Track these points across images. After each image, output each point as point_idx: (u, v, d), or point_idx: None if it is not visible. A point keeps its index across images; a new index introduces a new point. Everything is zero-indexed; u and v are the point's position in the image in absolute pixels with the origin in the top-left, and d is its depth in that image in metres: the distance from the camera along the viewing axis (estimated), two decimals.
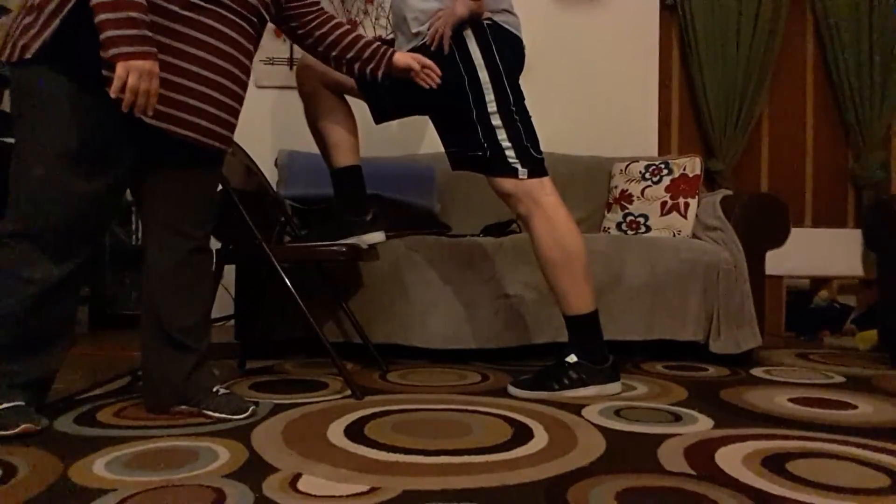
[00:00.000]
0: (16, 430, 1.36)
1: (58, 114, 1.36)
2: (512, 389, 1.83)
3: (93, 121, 1.38)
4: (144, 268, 1.56)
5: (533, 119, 1.86)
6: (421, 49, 1.82)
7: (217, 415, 1.53)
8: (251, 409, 1.56)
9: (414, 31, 1.82)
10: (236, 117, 1.55)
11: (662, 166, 2.76)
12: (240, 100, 1.54)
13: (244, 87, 1.55)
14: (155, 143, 1.47)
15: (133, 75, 1.26)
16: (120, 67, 1.26)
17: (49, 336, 1.45)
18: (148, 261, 1.55)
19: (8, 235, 1.39)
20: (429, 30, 1.79)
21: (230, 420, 1.52)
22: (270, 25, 3.18)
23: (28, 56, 1.34)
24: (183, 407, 1.56)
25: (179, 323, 1.54)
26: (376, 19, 3.23)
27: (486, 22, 1.78)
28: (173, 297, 1.54)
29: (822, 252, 3.56)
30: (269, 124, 3.25)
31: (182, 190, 1.54)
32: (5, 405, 1.39)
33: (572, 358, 1.81)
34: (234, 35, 1.48)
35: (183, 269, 1.55)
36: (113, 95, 1.26)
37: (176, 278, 1.54)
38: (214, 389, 1.58)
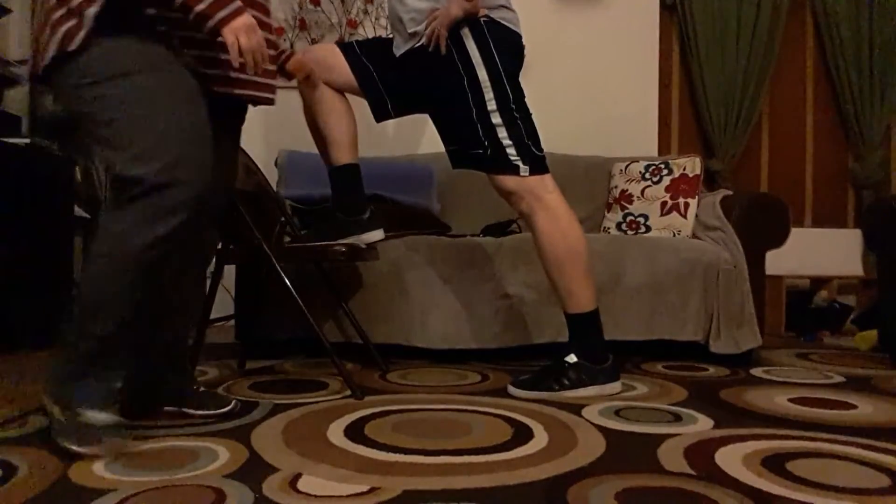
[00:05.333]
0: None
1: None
2: (512, 389, 1.83)
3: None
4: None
5: (533, 118, 1.86)
6: (418, 49, 1.82)
7: (201, 412, 1.54)
8: (233, 402, 1.58)
9: (410, 31, 1.82)
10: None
11: (662, 166, 2.76)
12: (274, 46, 1.52)
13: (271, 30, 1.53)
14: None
15: (242, 36, 1.23)
16: (227, 34, 1.22)
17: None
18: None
19: None
20: (425, 30, 1.79)
21: (216, 416, 1.53)
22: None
23: (73, 47, 1.25)
24: (168, 407, 1.57)
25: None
26: (376, 19, 3.23)
27: (483, 19, 1.78)
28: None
29: (822, 252, 3.56)
30: (269, 124, 3.25)
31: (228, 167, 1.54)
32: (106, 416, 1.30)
33: (572, 358, 1.81)
34: None
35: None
36: (236, 64, 1.25)
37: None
38: (195, 386, 1.60)
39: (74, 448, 1.23)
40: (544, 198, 1.80)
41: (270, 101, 1.49)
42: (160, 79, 1.25)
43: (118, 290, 1.26)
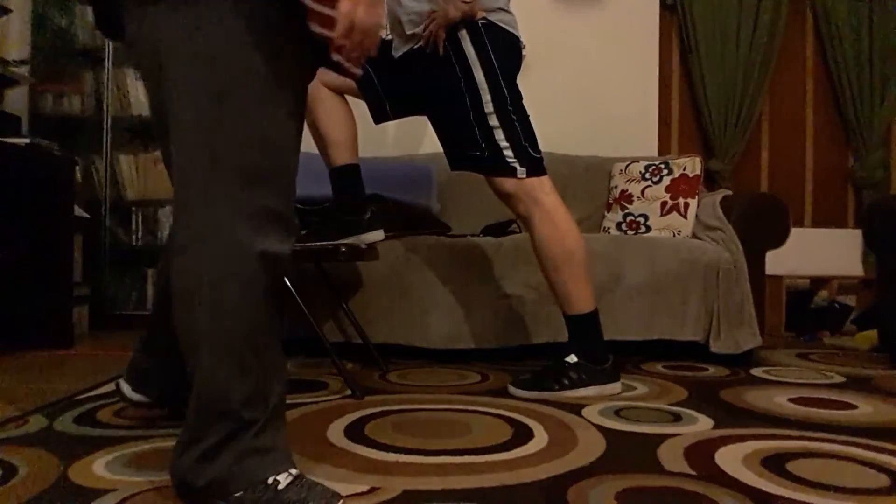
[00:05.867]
0: None
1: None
2: (512, 389, 1.83)
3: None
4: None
5: (533, 119, 1.86)
6: (417, 51, 1.82)
7: None
8: None
9: (409, 32, 1.82)
10: None
11: (662, 166, 2.76)
12: None
13: None
14: None
15: (361, 7, 0.90)
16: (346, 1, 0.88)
17: None
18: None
19: None
20: (423, 31, 1.79)
21: None
22: None
23: None
24: None
25: None
26: None
27: (481, 21, 1.78)
28: None
29: (822, 252, 3.56)
30: None
31: None
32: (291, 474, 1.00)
33: (572, 358, 1.81)
34: None
35: None
36: (340, 40, 0.91)
37: None
38: None
39: None
40: (542, 200, 1.80)
41: (356, 77, 1.17)
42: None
43: (254, 315, 0.97)
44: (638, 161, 2.86)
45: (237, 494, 0.96)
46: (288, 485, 0.97)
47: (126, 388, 1.47)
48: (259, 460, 0.97)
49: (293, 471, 1.00)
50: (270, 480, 0.97)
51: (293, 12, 0.94)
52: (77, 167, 2.88)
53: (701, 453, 1.30)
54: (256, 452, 0.97)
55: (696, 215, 2.63)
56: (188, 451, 0.98)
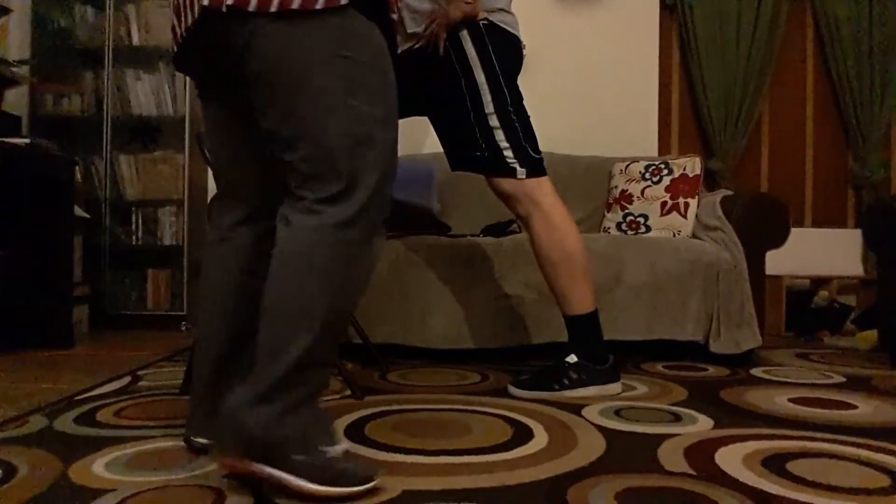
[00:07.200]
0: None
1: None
2: (512, 389, 1.83)
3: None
4: None
5: (533, 119, 1.86)
6: (417, 50, 1.82)
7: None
8: None
9: (410, 31, 1.83)
10: None
11: (662, 166, 2.76)
12: None
13: None
14: None
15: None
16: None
17: None
18: None
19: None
20: (424, 31, 1.79)
21: None
22: None
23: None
24: None
25: None
26: None
27: (482, 22, 1.78)
28: None
29: (822, 252, 3.56)
30: None
31: None
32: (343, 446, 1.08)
33: (572, 358, 1.81)
34: None
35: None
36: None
37: None
38: None
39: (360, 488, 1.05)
40: (541, 201, 1.80)
41: None
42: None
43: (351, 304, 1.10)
44: (638, 161, 2.86)
45: (298, 457, 1.02)
46: (343, 453, 1.05)
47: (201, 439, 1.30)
48: (320, 427, 1.06)
49: (345, 443, 1.08)
50: (328, 448, 1.04)
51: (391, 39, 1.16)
52: (77, 167, 2.88)
53: (701, 453, 1.30)
54: (316, 418, 1.06)
55: (696, 215, 2.63)
56: (261, 406, 1.01)
